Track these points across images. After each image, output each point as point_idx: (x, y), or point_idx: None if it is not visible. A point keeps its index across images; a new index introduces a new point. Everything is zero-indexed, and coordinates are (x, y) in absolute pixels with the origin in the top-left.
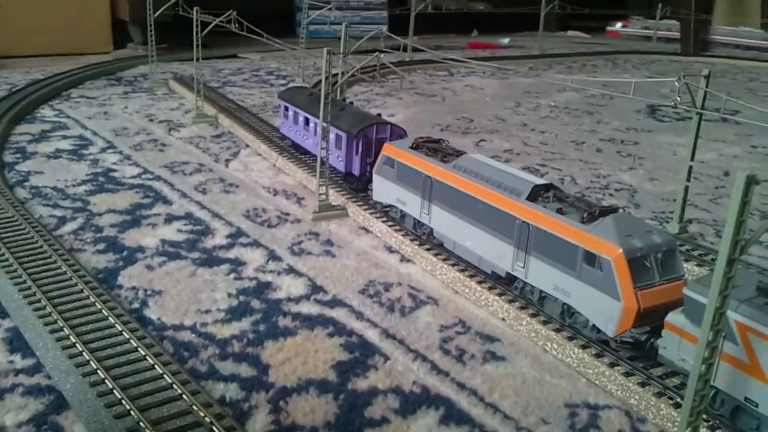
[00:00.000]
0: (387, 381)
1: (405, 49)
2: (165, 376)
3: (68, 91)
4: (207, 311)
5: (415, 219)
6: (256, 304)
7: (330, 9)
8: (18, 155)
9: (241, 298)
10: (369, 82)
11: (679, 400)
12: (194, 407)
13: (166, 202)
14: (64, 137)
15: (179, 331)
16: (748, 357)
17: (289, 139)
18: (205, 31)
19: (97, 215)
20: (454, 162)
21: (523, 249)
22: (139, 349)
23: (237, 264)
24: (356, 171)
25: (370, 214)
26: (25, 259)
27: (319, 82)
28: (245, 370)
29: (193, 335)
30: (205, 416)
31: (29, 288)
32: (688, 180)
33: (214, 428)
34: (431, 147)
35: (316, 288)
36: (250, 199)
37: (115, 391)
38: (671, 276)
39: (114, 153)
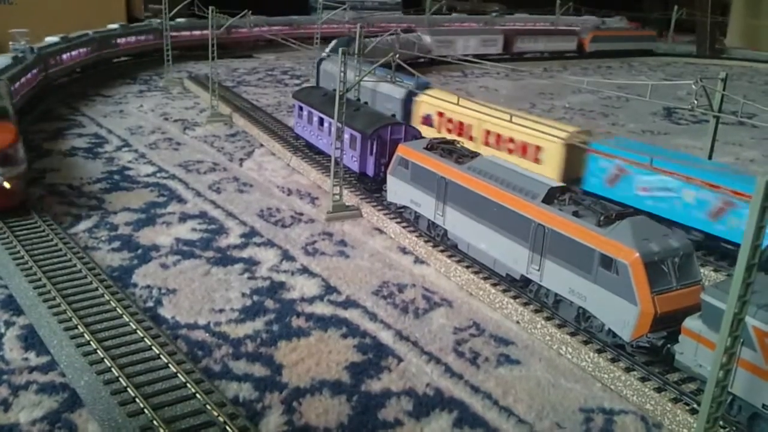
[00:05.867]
0: (400, 383)
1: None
2: (179, 375)
3: (84, 89)
4: (221, 310)
5: (429, 220)
6: (269, 303)
7: (344, 9)
8: (33, 153)
9: (255, 297)
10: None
11: (695, 406)
12: (208, 406)
13: (181, 200)
14: (80, 135)
15: (193, 330)
16: (766, 363)
17: (303, 139)
18: (220, 30)
19: (112, 213)
20: (469, 163)
21: (538, 252)
22: (153, 347)
23: (251, 263)
24: (370, 171)
25: (384, 214)
26: (40, 257)
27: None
28: (259, 370)
29: (207, 334)
30: (219, 416)
31: (44, 286)
32: None
33: (227, 428)
34: (446, 148)
35: (329, 288)
36: (264, 198)
37: (128, 389)
38: (688, 281)
39: (129, 151)
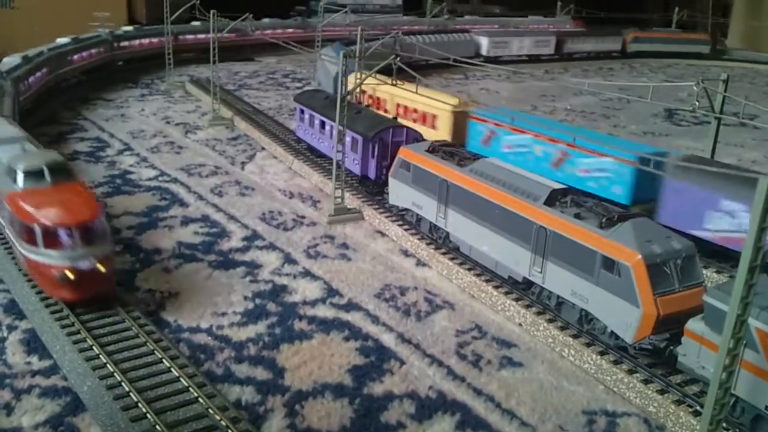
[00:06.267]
0: (403, 386)
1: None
2: (181, 379)
3: (85, 93)
4: (223, 314)
5: (431, 223)
6: (272, 307)
7: (346, 13)
8: None
9: (257, 301)
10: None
11: (698, 408)
12: (210, 410)
13: (183, 204)
14: (82, 139)
15: (195, 333)
16: None
17: (305, 142)
18: (222, 33)
19: (114, 217)
20: (471, 166)
21: (540, 254)
22: (156, 351)
23: (253, 267)
24: (372, 174)
25: (386, 217)
26: None
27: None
28: (261, 374)
29: (210, 338)
30: (221, 419)
31: None
32: None
33: (229, 431)
34: (448, 151)
35: (331, 291)
36: (266, 201)
37: (131, 393)
38: (691, 282)
39: (131, 155)
